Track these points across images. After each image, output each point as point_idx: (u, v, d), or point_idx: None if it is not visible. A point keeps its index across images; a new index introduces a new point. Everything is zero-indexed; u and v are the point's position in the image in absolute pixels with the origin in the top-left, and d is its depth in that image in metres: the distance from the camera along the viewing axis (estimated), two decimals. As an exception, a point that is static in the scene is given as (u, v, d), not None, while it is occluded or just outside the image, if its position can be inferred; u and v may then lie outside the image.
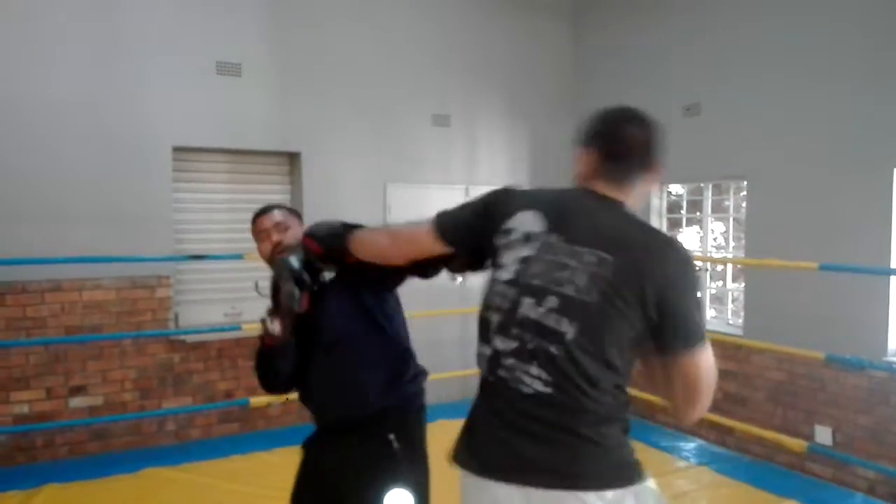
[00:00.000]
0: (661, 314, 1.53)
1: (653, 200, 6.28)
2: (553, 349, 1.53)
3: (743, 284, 5.66)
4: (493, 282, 1.65)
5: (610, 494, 1.51)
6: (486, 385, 1.68)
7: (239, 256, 5.10)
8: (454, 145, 6.41)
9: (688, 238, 7.81)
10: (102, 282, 4.94)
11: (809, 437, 4.83)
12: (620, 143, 1.68)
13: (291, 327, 2.15)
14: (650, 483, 1.59)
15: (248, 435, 5.33)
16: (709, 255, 6.39)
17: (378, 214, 6.00)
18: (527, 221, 1.62)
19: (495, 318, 1.62)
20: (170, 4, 5.15)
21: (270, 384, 2.29)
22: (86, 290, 4.90)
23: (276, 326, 2.14)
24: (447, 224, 1.74)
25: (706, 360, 1.56)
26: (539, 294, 1.56)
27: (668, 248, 1.59)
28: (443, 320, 5.63)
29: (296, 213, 2.46)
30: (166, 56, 5.12)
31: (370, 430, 2.10)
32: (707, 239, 6.21)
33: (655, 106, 6.71)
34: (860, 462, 4.49)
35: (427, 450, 2.21)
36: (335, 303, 2.17)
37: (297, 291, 2.09)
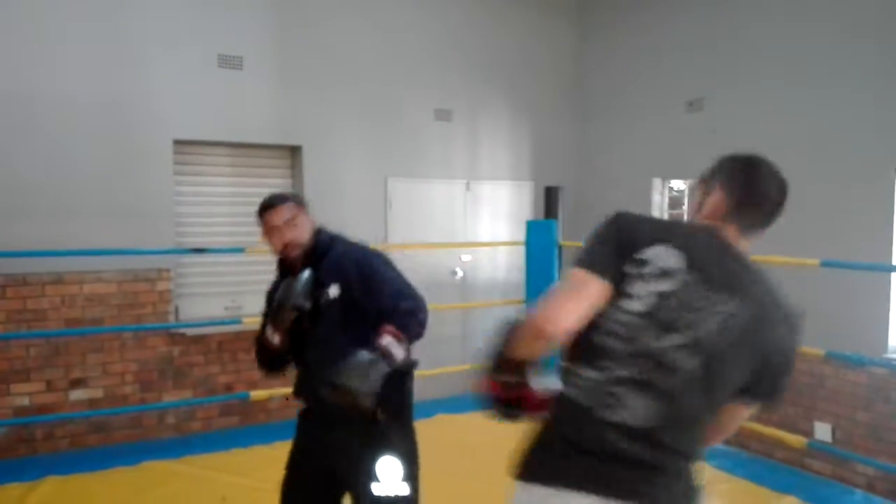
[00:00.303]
0: (766, 374, 1.63)
1: (654, 196, 6.28)
2: (667, 385, 1.55)
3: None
4: (616, 309, 1.59)
5: None
6: (579, 409, 1.59)
7: (240, 250, 5.10)
8: (456, 140, 6.40)
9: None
10: (103, 274, 4.94)
11: (809, 433, 4.83)
12: (762, 201, 1.70)
13: (288, 339, 2.36)
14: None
15: (249, 428, 5.33)
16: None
17: (379, 208, 6.00)
18: (662, 256, 1.60)
19: (616, 346, 1.58)
20: (171, -3, 5.15)
21: (265, 367, 2.54)
22: (87, 283, 4.90)
23: (275, 338, 2.34)
24: (597, 265, 1.62)
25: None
26: (669, 330, 1.56)
27: (792, 318, 1.67)
28: (443, 316, 5.64)
29: (301, 203, 2.51)
30: (168, 49, 5.11)
31: (357, 418, 2.23)
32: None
33: (658, 101, 6.74)
34: (859, 458, 4.50)
35: (412, 421, 2.43)
36: (332, 318, 2.35)
37: (294, 314, 2.30)
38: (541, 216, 6.65)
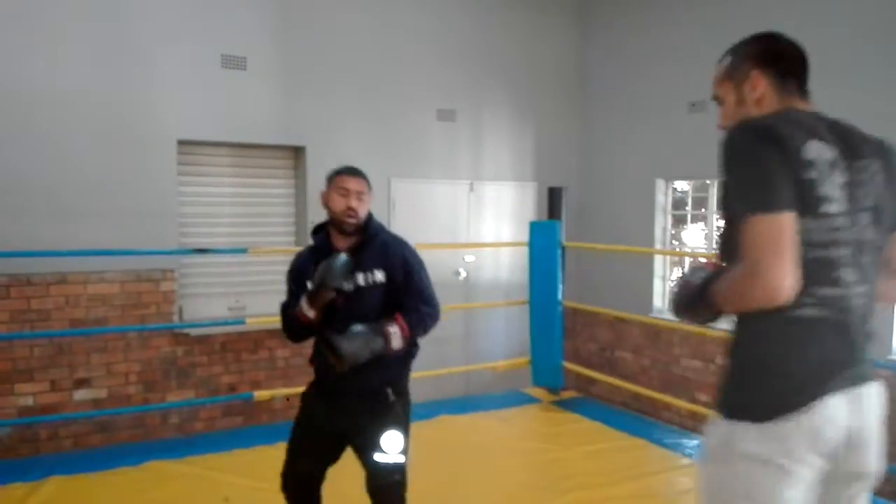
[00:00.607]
0: None
1: (658, 196, 6.27)
2: (871, 260, 1.61)
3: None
4: (820, 217, 1.52)
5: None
6: (828, 321, 1.55)
7: (243, 251, 5.11)
8: (459, 140, 6.40)
9: (692, 235, 7.79)
10: (107, 275, 4.95)
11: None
12: (793, 59, 1.73)
13: (321, 315, 2.53)
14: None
15: (252, 428, 5.33)
16: (713, 251, 6.37)
17: (382, 209, 6.00)
18: (821, 150, 1.54)
19: (843, 253, 1.55)
20: (175, -2, 5.16)
21: (291, 336, 2.73)
22: (90, 283, 4.91)
23: (311, 312, 2.51)
24: (776, 198, 1.48)
25: None
26: (859, 214, 1.58)
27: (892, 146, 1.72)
28: (446, 316, 5.62)
29: (371, 187, 2.72)
30: (171, 49, 5.12)
31: (372, 395, 2.58)
32: (712, 235, 6.20)
33: (661, 101, 6.71)
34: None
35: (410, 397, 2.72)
36: (372, 300, 2.57)
37: (333, 294, 2.48)
38: (544, 217, 6.65)
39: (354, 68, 5.85)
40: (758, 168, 1.49)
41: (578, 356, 6.77)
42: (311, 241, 2.78)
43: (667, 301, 6.38)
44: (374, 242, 2.61)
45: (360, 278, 2.55)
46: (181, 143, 5.22)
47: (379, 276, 2.56)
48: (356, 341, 2.39)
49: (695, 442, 5.30)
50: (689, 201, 6.47)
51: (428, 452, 4.38)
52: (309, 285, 2.53)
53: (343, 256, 2.48)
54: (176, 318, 5.21)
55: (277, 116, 5.56)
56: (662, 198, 6.32)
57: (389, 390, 2.59)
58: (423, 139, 6.22)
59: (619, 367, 6.55)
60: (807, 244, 1.50)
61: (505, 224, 6.65)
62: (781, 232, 1.45)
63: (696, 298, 1.68)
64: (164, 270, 5.13)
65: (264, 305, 5.58)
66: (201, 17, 5.24)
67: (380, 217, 6.08)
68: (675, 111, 6.00)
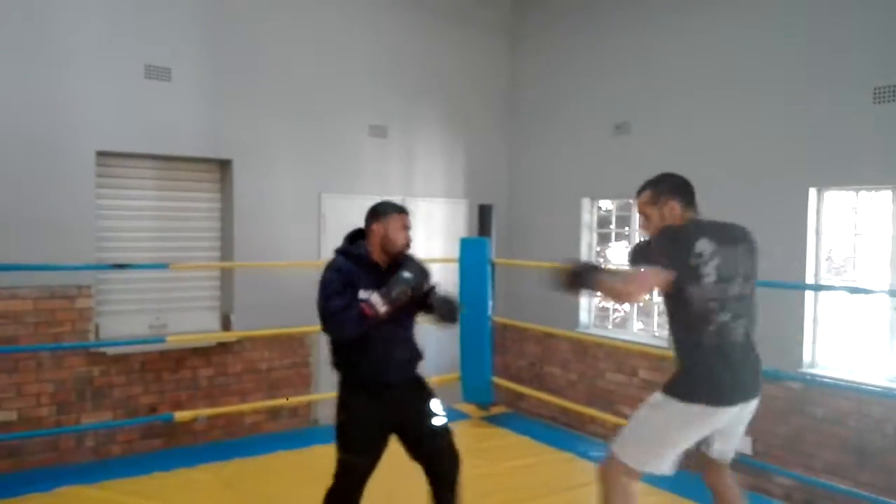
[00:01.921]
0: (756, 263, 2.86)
1: (583, 215, 6.43)
2: (745, 305, 2.75)
3: (669, 298, 5.83)
4: (701, 286, 2.67)
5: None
6: (720, 347, 2.70)
7: (164, 266, 4.96)
8: (391, 156, 6.41)
9: (616, 253, 8.00)
10: (19, 291, 4.72)
11: (730, 446, 5.00)
12: (688, 188, 2.93)
13: (388, 316, 2.96)
14: None
15: (172, 451, 5.16)
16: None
17: (313, 224, 5.94)
18: (705, 245, 2.67)
19: (714, 305, 2.68)
20: (98, 5, 4.99)
21: (346, 332, 3.00)
22: (1, 300, 4.67)
23: (383, 308, 2.93)
24: (671, 267, 2.68)
25: None
26: (731, 280, 2.70)
27: (751, 232, 2.90)
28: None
29: None
30: (92, 57, 4.96)
31: (417, 380, 3.27)
32: (635, 253, 6.38)
33: (587, 123, 6.91)
34: (777, 470, 4.67)
35: None
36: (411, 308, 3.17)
37: (411, 293, 3.01)
38: (474, 233, 6.71)
39: (285, 82, 5.79)
40: (666, 249, 2.74)
41: (508, 371, 6.84)
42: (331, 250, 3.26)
43: (592, 316, 6.52)
44: (411, 258, 3.15)
45: (426, 286, 3.17)
46: (100, 154, 5.04)
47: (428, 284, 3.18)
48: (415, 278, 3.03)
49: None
50: (613, 220, 6.65)
51: (405, 463, 4.34)
52: (362, 294, 2.97)
53: (406, 272, 3.00)
54: (92, 336, 5.00)
55: (203, 129, 5.44)
56: (588, 216, 6.48)
57: (421, 375, 3.27)
58: (355, 155, 6.20)
59: (547, 381, 6.64)
60: (696, 301, 2.68)
61: (436, 240, 6.68)
62: (656, 277, 2.70)
63: (588, 277, 2.82)
64: (80, 287, 4.92)
65: (187, 323, 5.43)
66: (124, 26, 5.09)
67: (310, 233, 6.07)
68: (600, 133, 6.18)
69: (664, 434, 2.81)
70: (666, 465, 2.87)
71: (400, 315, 3.06)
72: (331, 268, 3.08)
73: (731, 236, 2.78)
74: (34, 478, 4.42)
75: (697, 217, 2.84)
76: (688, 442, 2.83)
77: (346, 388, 3.15)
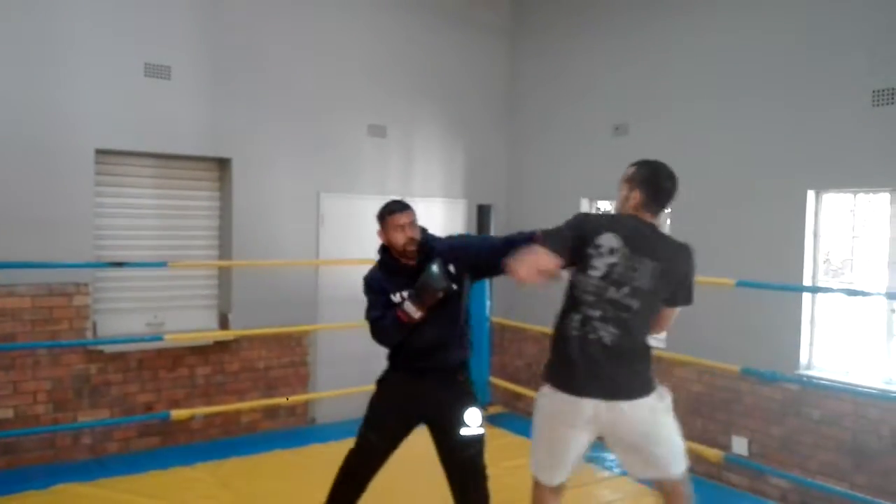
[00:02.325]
0: (679, 290, 2.79)
1: (582, 216, 6.42)
2: (624, 315, 2.70)
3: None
4: (586, 276, 2.71)
5: (646, 398, 2.76)
6: (574, 338, 2.73)
7: (163, 264, 4.96)
8: (390, 156, 6.40)
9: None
10: (16, 288, 4.72)
11: (727, 447, 5.00)
12: (661, 192, 2.80)
13: (425, 315, 2.98)
14: (662, 388, 2.85)
15: (169, 449, 5.17)
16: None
17: (311, 224, 5.94)
18: (610, 240, 2.69)
19: (589, 298, 2.71)
20: (98, 4, 4.99)
21: (388, 341, 3.14)
22: (-3, 297, 4.67)
23: (418, 313, 2.97)
24: (558, 248, 2.71)
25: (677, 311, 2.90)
26: (619, 285, 2.69)
27: (686, 251, 2.81)
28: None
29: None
30: (91, 56, 4.96)
31: (451, 373, 3.18)
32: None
33: (587, 124, 6.90)
34: (773, 471, 4.68)
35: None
36: (456, 297, 3.10)
37: (441, 293, 2.97)
38: (473, 233, 6.71)
39: (284, 81, 5.79)
40: (566, 234, 2.77)
41: (506, 371, 6.84)
42: (371, 260, 3.26)
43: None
44: (439, 249, 3.09)
45: (459, 279, 3.10)
46: (99, 152, 5.04)
47: (451, 269, 3.06)
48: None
49: (614, 455, 5.41)
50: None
51: (406, 466, 4.34)
52: (394, 298, 3.03)
53: (436, 266, 2.95)
54: (89, 334, 5.00)
55: (202, 127, 5.44)
56: (587, 217, 6.47)
57: (463, 370, 3.19)
58: (354, 154, 6.20)
59: (544, 382, 6.64)
60: (576, 288, 2.75)
61: (434, 240, 6.67)
62: (542, 257, 2.68)
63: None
64: (78, 284, 4.92)
65: (184, 321, 5.43)
66: (124, 24, 5.09)
67: (308, 232, 6.07)
68: (599, 134, 6.18)
69: (537, 427, 2.90)
70: (547, 470, 2.88)
71: (438, 306, 3.01)
72: (364, 281, 3.19)
73: (648, 249, 2.70)
74: (30, 475, 4.42)
75: (650, 217, 2.79)
76: (553, 436, 2.84)
77: (387, 369, 3.26)
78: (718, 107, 5.27)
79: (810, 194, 4.78)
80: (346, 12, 6.13)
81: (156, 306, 5.39)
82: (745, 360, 4.57)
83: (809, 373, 4.76)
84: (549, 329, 5.99)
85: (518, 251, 2.74)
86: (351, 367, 5.60)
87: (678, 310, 2.86)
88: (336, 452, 3.28)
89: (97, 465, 4.70)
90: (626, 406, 2.73)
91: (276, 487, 4.26)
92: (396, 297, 3.05)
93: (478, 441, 3.16)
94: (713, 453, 4.43)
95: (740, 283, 4.31)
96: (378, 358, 3.31)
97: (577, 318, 2.72)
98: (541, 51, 6.86)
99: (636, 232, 2.71)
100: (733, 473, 5.01)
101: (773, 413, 4.83)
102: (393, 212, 3.10)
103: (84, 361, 4.97)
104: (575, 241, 2.72)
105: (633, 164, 2.89)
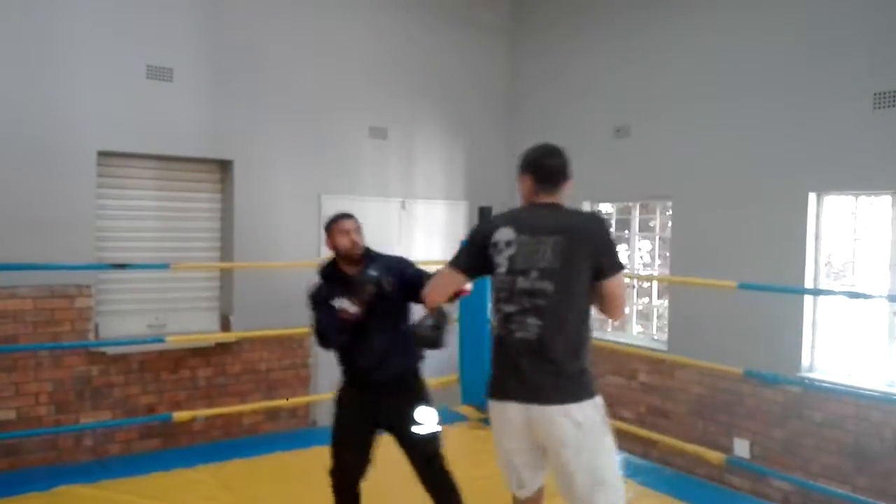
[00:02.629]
0: (601, 258, 2.48)
1: (584, 218, 6.42)
2: (542, 303, 2.46)
3: (667, 301, 5.83)
4: (496, 276, 2.57)
5: (573, 405, 2.43)
6: (499, 338, 2.60)
7: (165, 266, 4.96)
8: (391, 158, 6.41)
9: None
10: (18, 290, 4.72)
11: (729, 449, 5.00)
12: (546, 169, 2.66)
13: (364, 313, 3.09)
14: (599, 399, 2.53)
15: (171, 451, 5.15)
16: (636, 272, 6.56)
17: (313, 226, 5.94)
18: (504, 234, 2.56)
19: (503, 295, 2.54)
20: (101, 5, 5.00)
21: (330, 344, 3.25)
22: (0, 299, 4.67)
23: (354, 308, 3.07)
24: (462, 265, 2.69)
25: (622, 280, 2.57)
26: (525, 272, 2.49)
27: (593, 218, 2.74)
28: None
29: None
30: (94, 57, 4.97)
31: (401, 380, 3.25)
32: (634, 257, 6.39)
33: (588, 125, 6.91)
34: (775, 474, 4.67)
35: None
36: (390, 305, 3.16)
37: (375, 288, 3.08)
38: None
39: (286, 83, 5.80)
40: (465, 249, 2.69)
41: (506, 374, 6.83)
42: (315, 279, 3.32)
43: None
44: (379, 261, 3.26)
45: (387, 286, 3.19)
46: (101, 154, 5.05)
47: (388, 279, 3.17)
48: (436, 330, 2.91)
49: (617, 457, 5.40)
50: (614, 223, 6.64)
51: (386, 469, 4.34)
52: (335, 304, 3.11)
53: (371, 269, 3.14)
54: (91, 335, 5.00)
55: (204, 129, 5.45)
56: (588, 219, 6.47)
57: (412, 375, 3.29)
58: (355, 156, 6.20)
59: (545, 384, 6.63)
60: (493, 291, 2.61)
61: (436, 242, 6.68)
62: (449, 278, 2.72)
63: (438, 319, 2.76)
64: (80, 286, 4.93)
65: (186, 323, 5.43)
66: (126, 26, 5.10)
67: (309, 234, 6.06)
68: (601, 135, 6.18)
69: (494, 438, 2.71)
70: (509, 479, 2.69)
71: (380, 315, 3.13)
72: (308, 296, 3.30)
73: (546, 226, 2.51)
74: (32, 477, 4.41)
75: (548, 198, 2.61)
76: (498, 450, 2.66)
77: (341, 386, 3.37)
78: (719, 108, 5.27)
79: (812, 197, 4.78)
80: (346, 14, 6.14)
81: (157, 308, 5.39)
82: (747, 363, 4.56)
83: (811, 375, 4.75)
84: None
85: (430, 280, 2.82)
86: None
87: (617, 282, 2.53)
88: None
89: (99, 467, 4.69)
90: (546, 412, 2.45)
91: (278, 489, 4.25)
92: (337, 303, 3.15)
93: (435, 439, 3.26)
94: (715, 455, 4.42)
95: (742, 286, 4.30)
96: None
97: (497, 317, 2.61)
98: (541, 51, 6.86)
99: (531, 215, 2.59)
100: (735, 476, 5.01)
101: (775, 415, 4.83)
102: (338, 219, 3.30)
103: (86, 363, 4.97)
104: (477, 249, 2.62)
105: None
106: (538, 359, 2.45)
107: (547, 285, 2.45)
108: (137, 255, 5.26)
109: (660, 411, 5.58)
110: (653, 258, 7.21)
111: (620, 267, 2.54)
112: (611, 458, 2.61)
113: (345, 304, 3.10)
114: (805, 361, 4.77)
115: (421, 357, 3.33)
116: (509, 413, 2.53)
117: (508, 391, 2.53)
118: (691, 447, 4.63)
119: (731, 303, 4.98)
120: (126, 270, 5.08)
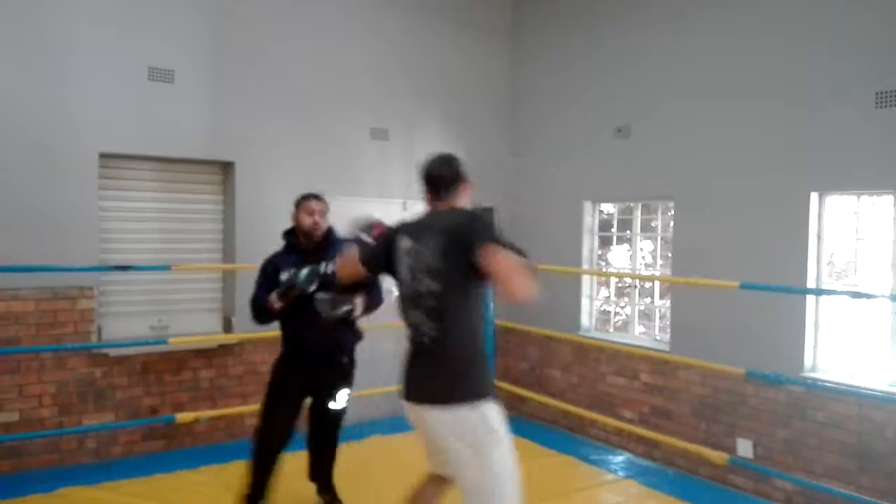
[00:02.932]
0: (472, 244, 2.49)
1: (585, 219, 6.43)
2: (432, 303, 2.58)
3: (669, 301, 5.82)
4: (400, 283, 2.75)
5: (451, 408, 2.52)
6: (412, 343, 2.71)
7: (167, 268, 4.97)
8: (392, 159, 6.41)
9: (618, 255, 8.01)
10: (21, 292, 4.73)
11: (732, 449, 5.00)
12: (433, 178, 2.81)
13: (287, 307, 3.50)
14: (488, 403, 2.59)
15: (174, 452, 5.17)
16: (638, 272, 6.56)
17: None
18: (403, 242, 2.73)
19: (406, 302, 2.70)
20: (102, 7, 5.01)
21: (258, 320, 3.73)
22: (2, 301, 4.68)
23: (277, 304, 3.46)
24: (366, 259, 2.93)
25: (498, 255, 2.45)
26: (420, 276, 2.62)
27: (471, 215, 2.67)
28: (376, 335, 5.59)
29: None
30: (96, 59, 4.97)
31: (334, 355, 3.73)
32: (636, 257, 6.39)
33: (588, 126, 6.91)
34: (778, 474, 4.67)
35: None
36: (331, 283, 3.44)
37: (298, 293, 3.45)
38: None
39: (287, 84, 5.80)
40: (377, 244, 2.94)
41: (509, 374, 6.84)
42: (278, 245, 3.74)
43: (593, 320, 6.53)
44: (333, 245, 3.52)
45: (326, 267, 3.49)
46: (103, 156, 5.05)
47: (329, 271, 3.44)
48: (331, 303, 3.35)
49: (620, 458, 5.42)
50: (615, 223, 6.65)
51: (359, 473, 4.35)
52: (282, 277, 3.48)
53: (307, 269, 3.43)
54: (94, 337, 5.01)
55: (206, 131, 5.45)
56: (590, 219, 6.48)
57: (345, 356, 3.72)
58: (357, 157, 6.21)
59: (548, 384, 6.64)
60: (399, 299, 2.75)
61: (437, 243, 6.67)
62: (350, 261, 2.98)
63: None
64: (83, 288, 4.93)
65: (188, 325, 5.43)
66: (128, 28, 5.10)
67: (311, 235, 6.01)
68: (601, 136, 6.18)
69: None
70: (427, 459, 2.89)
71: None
72: (262, 263, 3.71)
73: (426, 230, 2.67)
74: (35, 479, 4.43)
75: (443, 205, 2.77)
76: (423, 442, 2.82)
77: (282, 351, 3.77)
78: (720, 108, 5.27)
79: (813, 196, 4.77)
80: (347, 15, 6.14)
81: (160, 310, 5.39)
82: (750, 363, 4.56)
83: (814, 375, 4.75)
84: (552, 332, 6.07)
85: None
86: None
87: (492, 257, 2.43)
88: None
89: (102, 469, 4.71)
90: (427, 414, 2.60)
91: (280, 490, 4.26)
92: (284, 275, 3.49)
93: (342, 414, 3.85)
94: (718, 456, 4.42)
95: (744, 286, 4.30)
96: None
97: (407, 325, 2.74)
98: (542, 51, 6.87)
99: (425, 221, 2.74)
100: (738, 476, 5.00)
101: (778, 416, 4.83)
102: (308, 198, 3.64)
103: (89, 365, 4.98)
104: (383, 252, 2.83)
105: None
106: (429, 359, 2.62)
107: (434, 285, 2.58)
108: (140, 256, 5.26)
109: (662, 412, 5.58)
110: (655, 258, 7.22)
111: (492, 240, 2.48)
112: (500, 478, 2.55)
113: (271, 297, 3.49)
114: (808, 361, 4.77)
115: (359, 336, 3.78)
116: (408, 412, 2.73)
117: (406, 391, 2.71)
118: (694, 447, 4.63)
119: (734, 303, 4.98)
120: (128, 272, 5.08)
